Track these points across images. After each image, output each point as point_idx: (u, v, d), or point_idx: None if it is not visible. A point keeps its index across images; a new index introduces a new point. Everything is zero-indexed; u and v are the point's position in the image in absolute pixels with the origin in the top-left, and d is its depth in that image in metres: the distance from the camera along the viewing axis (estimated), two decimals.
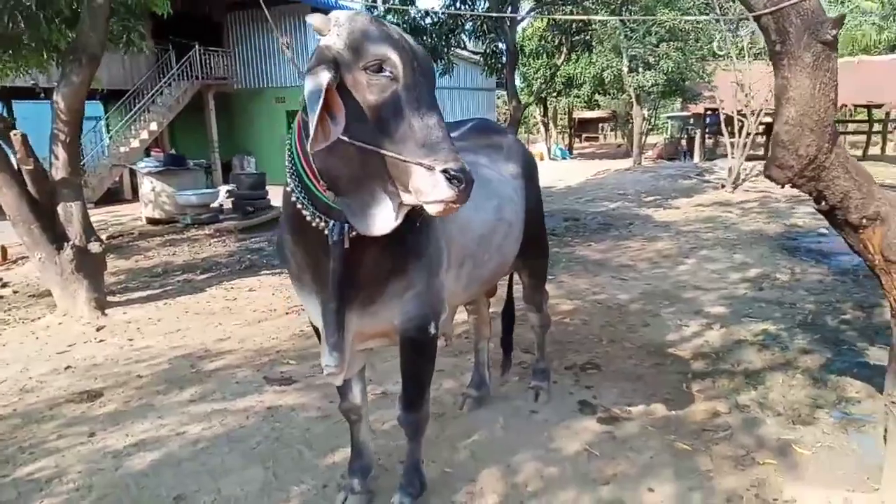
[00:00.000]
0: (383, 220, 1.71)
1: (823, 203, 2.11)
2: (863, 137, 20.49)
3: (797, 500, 2.52)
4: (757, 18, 1.82)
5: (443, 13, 7.97)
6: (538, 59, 17.52)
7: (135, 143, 14.51)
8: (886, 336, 4.43)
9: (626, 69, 16.58)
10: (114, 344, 4.59)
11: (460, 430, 3.18)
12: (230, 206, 10.51)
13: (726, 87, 12.92)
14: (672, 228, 9.28)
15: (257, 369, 4.04)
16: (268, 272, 6.81)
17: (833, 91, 1.83)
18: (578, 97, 22.70)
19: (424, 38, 9.15)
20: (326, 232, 1.82)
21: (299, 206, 1.82)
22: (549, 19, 9.47)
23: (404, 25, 8.92)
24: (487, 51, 8.89)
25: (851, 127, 22.54)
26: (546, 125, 26.00)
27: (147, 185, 9.71)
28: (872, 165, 18.04)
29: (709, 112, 18.67)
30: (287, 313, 5.29)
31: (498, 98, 27.79)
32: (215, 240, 8.84)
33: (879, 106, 18.49)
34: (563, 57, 11.05)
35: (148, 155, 11.79)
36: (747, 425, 3.19)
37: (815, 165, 1.97)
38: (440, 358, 3.86)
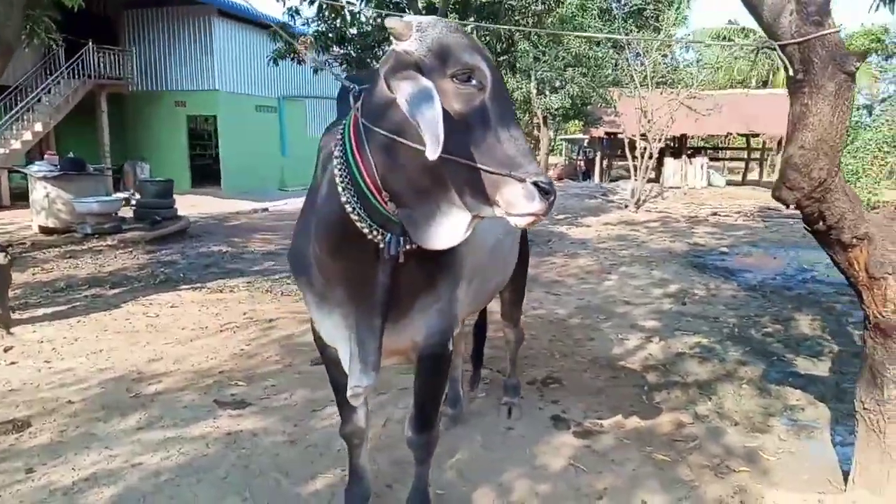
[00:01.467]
0: (451, 232, 1.63)
1: (821, 223, 2.26)
2: (741, 164, 22.47)
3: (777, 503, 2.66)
4: (782, 48, 1.92)
5: (373, 21, 7.87)
6: None
7: (16, 145, 13.19)
8: (808, 348, 4.85)
9: (534, 91, 17.17)
10: (29, 366, 4.09)
11: (442, 449, 3.05)
12: (132, 215, 9.78)
13: (630, 112, 13.71)
14: (589, 245, 9.67)
15: (204, 392, 3.74)
16: (187, 287, 6.37)
17: (848, 118, 1.97)
18: None
19: (349, 47, 9.02)
20: (382, 245, 1.71)
21: (355, 217, 1.69)
22: (484, 38, 9.62)
23: (330, 33, 8.76)
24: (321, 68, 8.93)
25: (730, 154, 24.63)
26: None
27: (41, 191, 8.80)
28: (753, 189, 19.81)
29: (605, 136, 19.76)
30: (221, 331, 4.96)
31: None
32: (121, 251, 8.17)
33: (757, 135, 20.33)
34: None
35: (41, 158, 10.73)
36: (712, 435, 3.34)
37: (823, 188, 2.11)
38: (405, 377, 3.80)
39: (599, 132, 19.68)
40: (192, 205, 11.42)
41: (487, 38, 9.20)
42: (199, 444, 3.09)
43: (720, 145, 23.73)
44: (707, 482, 2.84)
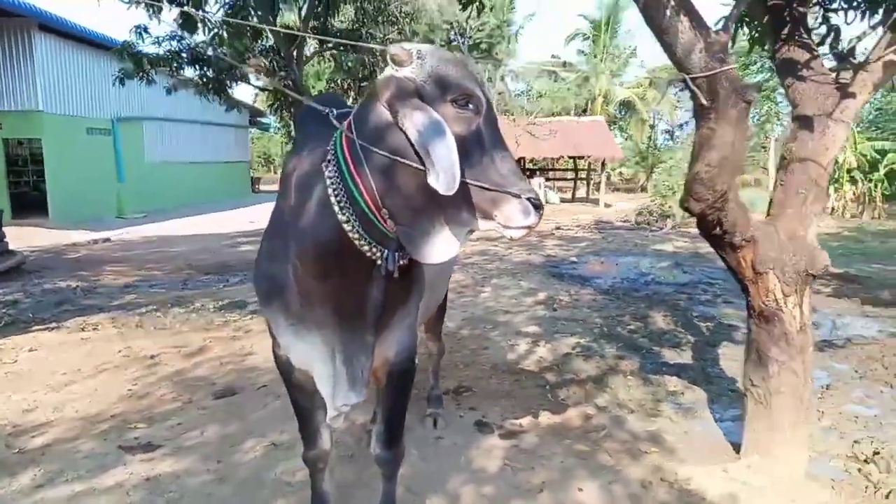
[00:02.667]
0: (446, 246, 1.73)
1: (718, 229, 2.66)
2: (568, 183, 24.55)
3: (691, 477, 3.03)
4: (693, 80, 2.28)
5: (230, 43, 7.60)
6: None
7: None
8: (668, 340, 5.49)
9: None
10: None
11: (350, 472, 3.11)
12: None
13: None
14: (456, 261, 10.03)
15: (102, 439, 3.41)
16: (41, 328, 5.68)
17: (745, 140, 2.38)
18: None
19: (206, 69, 8.64)
20: (380, 262, 1.76)
21: (355, 236, 1.72)
22: (338, 64, 9.67)
23: (183, 53, 8.33)
24: (276, 88, 8.73)
25: (558, 174, 26.79)
26: None
27: None
28: (583, 205, 21.73)
29: None
30: (99, 372, 4.52)
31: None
32: None
33: (583, 157, 22.34)
34: (350, 100, 11.34)
35: None
36: (616, 423, 3.70)
37: (724, 199, 2.50)
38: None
39: None
40: (15, 237, 10.09)
41: (351, 64, 9.29)
42: (117, 493, 2.83)
43: (549, 167, 25.74)
44: (626, 465, 3.16)
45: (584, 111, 28.72)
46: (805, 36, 2.80)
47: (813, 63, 2.76)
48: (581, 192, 24.58)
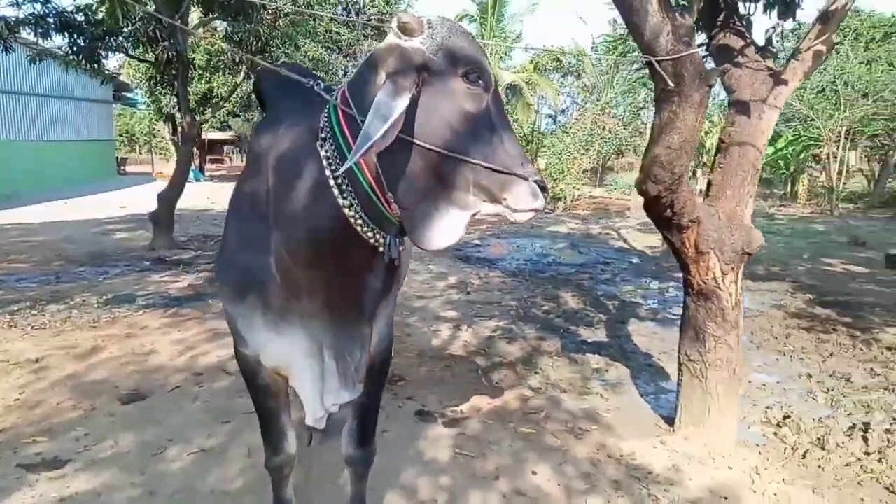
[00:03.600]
0: (449, 231, 1.60)
1: (669, 211, 2.73)
2: None
3: (634, 452, 3.13)
4: (659, 62, 2.29)
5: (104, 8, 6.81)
6: (203, 75, 16.36)
7: None
8: (581, 320, 5.68)
9: None
10: None
11: (329, 467, 2.94)
12: None
13: None
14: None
15: None
16: None
17: (702, 124, 2.43)
18: (215, 117, 21.73)
19: (76, 36, 7.74)
20: (382, 249, 1.60)
21: (359, 221, 1.56)
22: (227, 36, 8.96)
23: (50, 18, 7.40)
24: (159, 59, 7.96)
25: None
26: (176, 145, 24.21)
27: None
28: None
29: None
30: None
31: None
32: None
33: None
34: (241, 76, 10.57)
35: None
36: (552, 403, 3.75)
37: (680, 181, 2.56)
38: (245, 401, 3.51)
39: None
40: None
41: (241, 35, 8.67)
42: None
43: None
44: (572, 445, 3.21)
45: None
46: (739, 23, 2.92)
47: (746, 50, 2.89)
48: None
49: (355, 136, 1.54)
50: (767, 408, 3.72)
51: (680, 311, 3.29)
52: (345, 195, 1.55)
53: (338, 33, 19.05)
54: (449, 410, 3.59)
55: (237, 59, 9.71)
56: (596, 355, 4.61)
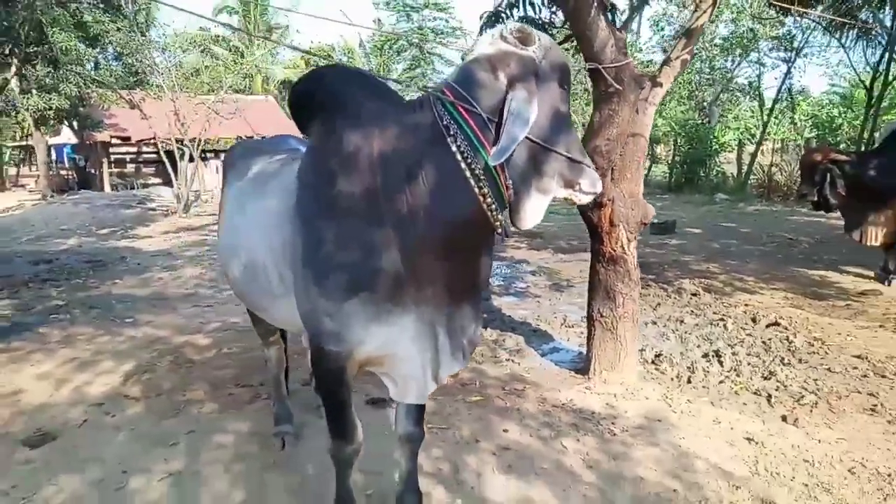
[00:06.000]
0: (538, 213, 1.92)
1: None
2: None
3: (572, 399, 3.65)
4: (605, 68, 2.78)
5: None
6: None
7: None
8: None
9: (16, 89, 14.31)
10: None
11: (309, 468, 2.97)
12: None
13: (160, 116, 13.05)
14: (176, 255, 9.11)
15: None
16: None
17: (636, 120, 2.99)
18: None
19: None
20: (499, 230, 1.85)
21: (493, 207, 1.79)
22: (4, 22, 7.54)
23: None
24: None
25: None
26: None
27: None
28: None
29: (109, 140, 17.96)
30: None
31: None
32: None
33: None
34: (13, 72, 8.88)
35: None
36: (479, 374, 4.13)
37: (612, 167, 3.10)
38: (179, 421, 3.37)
39: (104, 136, 17.79)
40: None
41: (8, 24, 7.45)
42: None
43: (222, 150, 24.35)
44: (520, 403, 3.64)
45: (241, 91, 27.87)
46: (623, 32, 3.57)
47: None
48: None
49: (482, 130, 1.79)
50: (641, 350, 4.53)
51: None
52: (481, 184, 1.78)
53: (86, 23, 16.92)
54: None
55: (6, 52, 8.31)
56: (488, 328, 5.10)
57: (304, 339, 2.18)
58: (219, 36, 27.10)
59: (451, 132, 1.79)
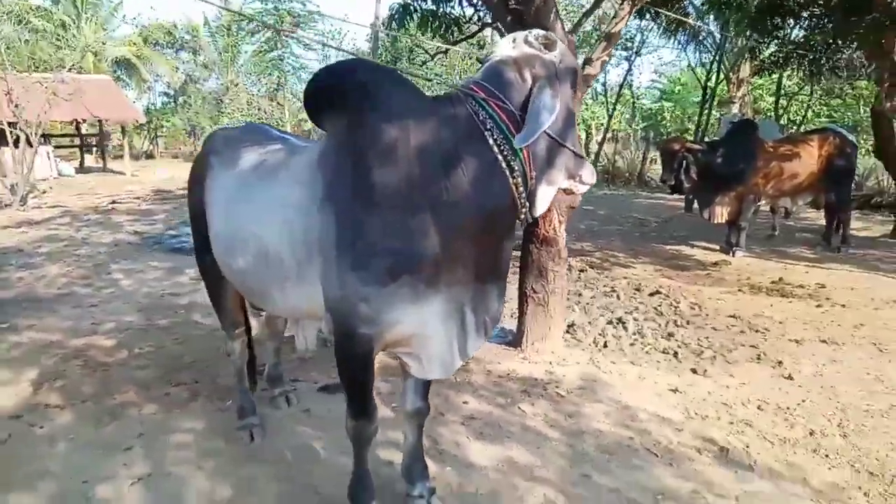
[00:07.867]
0: (546, 202, 2.15)
1: None
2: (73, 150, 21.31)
3: (515, 369, 3.94)
4: None
5: None
6: None
7: None
8: None
9: None
10: None
11: (288, 455, 2.99)
12: None
13: None
14: (28, 253, 8.16)
15: None
16: None
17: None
18: None
19: None
20: (523, 216, 2.04)
21: (524, 195, 1.98)
22: None
23: None
24: None
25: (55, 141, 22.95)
26: None
27: None
28: (101, 176, 19.36)
29: None
30: None
31: None
32: None
33: (102, 121, 19.66)
34: None
35: None
36: None
37: None
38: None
39: None
40: None
41: None
42: None
43: (53, 133, 21.77)
44: (469, 376, 3.85)
45: (70, 69, 25.17)
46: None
47: None
48: (90, 161, 21.75)
49: (515, 123, 1.97)
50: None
51: None
52: (514, 173, 1.97)
53: None
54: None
55: None
56: None
57: (324, 326, 2.22)
58: (38, 6, 24.21)
59: (488, 126, 1.96)
